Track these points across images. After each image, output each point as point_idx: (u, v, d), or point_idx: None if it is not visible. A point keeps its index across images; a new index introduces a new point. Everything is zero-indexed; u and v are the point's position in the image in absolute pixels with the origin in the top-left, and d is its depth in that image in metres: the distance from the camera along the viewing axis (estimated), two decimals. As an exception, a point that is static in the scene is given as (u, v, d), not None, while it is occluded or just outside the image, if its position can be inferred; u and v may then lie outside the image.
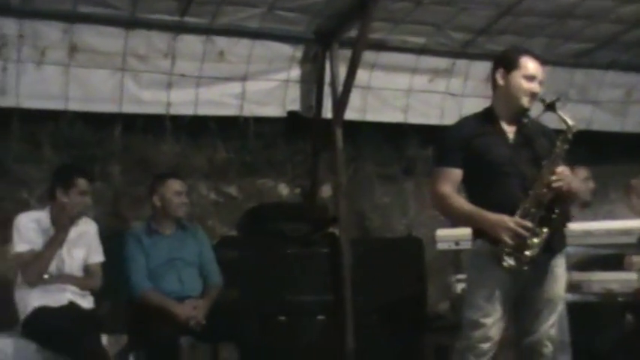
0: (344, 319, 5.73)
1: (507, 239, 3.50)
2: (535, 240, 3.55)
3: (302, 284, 5.66)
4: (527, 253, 3.53)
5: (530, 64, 3.75)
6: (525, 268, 3.54)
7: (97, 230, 4.77)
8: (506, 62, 3.78)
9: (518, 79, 3.73)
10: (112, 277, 4.81)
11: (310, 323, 5.65)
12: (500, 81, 3.77)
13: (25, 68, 5.32)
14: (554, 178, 3.58)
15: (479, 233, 3.68)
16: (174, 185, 4.98)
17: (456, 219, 3.94)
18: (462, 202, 3.67)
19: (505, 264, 3.53)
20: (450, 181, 3.70)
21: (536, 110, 3.82)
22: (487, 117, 3.81)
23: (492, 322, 3.63)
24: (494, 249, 3.55)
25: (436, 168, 3.77)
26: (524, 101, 3.73)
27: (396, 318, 5.83)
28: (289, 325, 5.57)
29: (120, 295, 4.95)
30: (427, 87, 6.54)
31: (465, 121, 3.90)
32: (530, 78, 3.74)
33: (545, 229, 3.57)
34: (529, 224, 3.52)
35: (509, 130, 3.76)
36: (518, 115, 3.77)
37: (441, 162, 3.76)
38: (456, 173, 3.70)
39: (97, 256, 4.73)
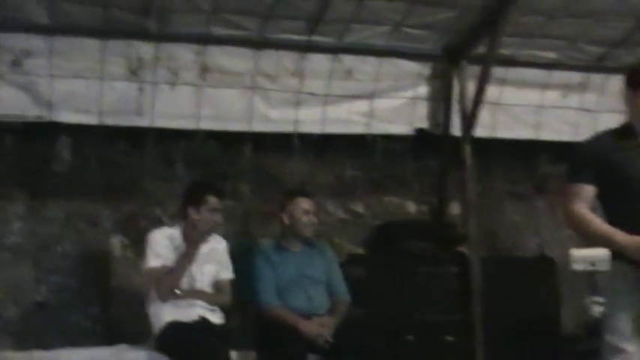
0: (473, 340, 5.61)
1: None
2: None
3: (430, 303, 5.59)
4: None
5: None
6: None
7: (227, 247, 4.85)
8: None
9: None
10: (241, 293, 4.87)
11: (439, 343, 5.57)
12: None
13: (160, 89, 5.50)
14: None
15: (616, 254, 3.53)
16: (303, 204, 5.00)
17: (590, 238, 3.77)
18: (597, 221, 3.54)
19: None
20: (584, 199, 3.58)
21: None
22: (624, 132, 3.66)
23: (636, 349, 3.46)
24: (634, 271, 3.39)
25: (569, 184, 3.66)
26: None
27: (527, 340, 5.67)
28: (417, 344, 5.49)
29: (248, 311, 5.01)
30: (560, 102, 6.38)
31: (599, 137, 3.77)
32: None
33: None
34: None
35: None
36: None
37: (573, 178, 3.64)
38: (590, 190, 3.59)
39: (227, 273, 4.80)
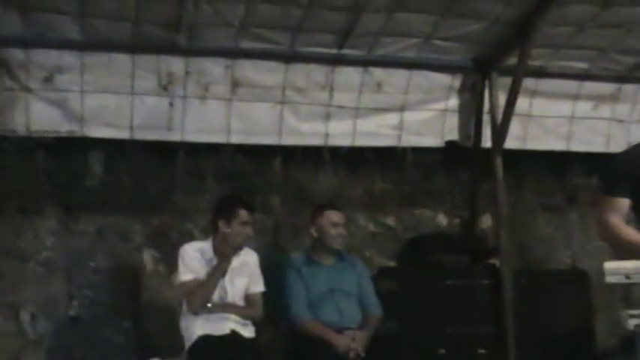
0: (506, 353, 5.56)
1: None
2: None
3: (462, 316, 5.55)
4: None
5: None
6: None
7: (258, 260, 4.85)
8: None
9: None
10: (272, 306, 4.87)
11: (471, 357, 5.53)
12: None
13: (190, 104, 5.53)
14: None
15: None
16: (332, 216, 5.00)
17: (626, 250, 3.72)
18: (632, 233, 3.51)
19: None
20: (618, 211, 3.56)
21: None
22: None
23: None
24: None
25: (603, 197, 3.63)
26: None
27: (560, 354, 5.61)
28: (449, 358, 5.45)
29: (280, 325, 5.00)
30: (591, 113, 6.31)
31: (634, 149, 3.74)
32: None
33: None
34: None
35: None
36: None
37: (608, 191, 3.62)
38: (624, 203, 3.57)
39: (258, 286, 4.80)
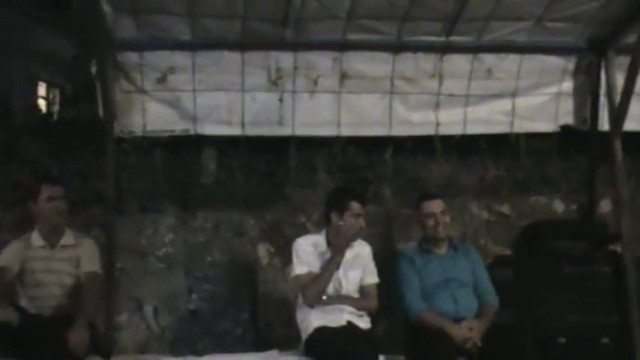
0: (632, 343, 5.38)
1: None
2: None
3: (583, 305, 5.39)
4: None
5: None
6: None
7: (371, 252, 4.85)
8: None
9: None
10: (386, 297, 4.86)
11: (594, 347, 5.36)
12: None
13: (300, 98, 5.58)
14: None
15: None
16: (427, 207, 4.94)
17: None
18: None
19: None
20: None
21: None
22: None
23: None
24: None
25: None
26: None
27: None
28: (570, 347, 5.31)
29: (395, 315, 4.99)
30: None
31: None
32: None
33: None
34: None
35: None
36: None
37: None
38: None
39: (372, 277, 4.79)
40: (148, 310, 5.66)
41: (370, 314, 4.73)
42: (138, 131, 5.50)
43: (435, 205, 4.97)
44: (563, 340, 5.32)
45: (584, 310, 5.39)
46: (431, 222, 4.93)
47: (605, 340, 5.38)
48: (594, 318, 5.39)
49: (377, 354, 4.44)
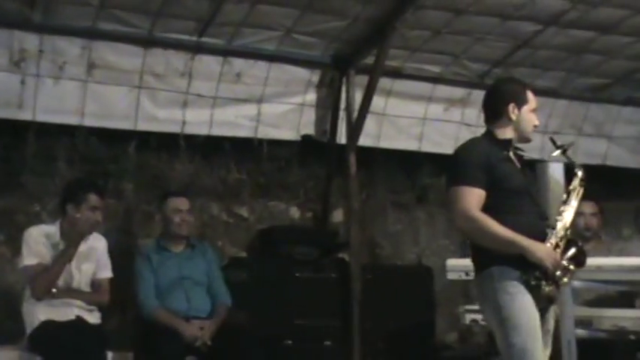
0: (351, 345, 5.69)
1: (550, 267, 3.48)
2: (560, 272, 3.53)
3: (310, 309, 5.62)
4: (557, 282, 3.53)
5: (533, 98, 3.79)
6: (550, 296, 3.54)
7: (107, 246, 4.77)
8: (516, 97, 3.77)
9: (529, 114, 3.75)
10: (120, 293, 4.80)
11: (317, 348, 5.61)
12: (513, 115, 3.74)
13: (43, 83, 5.35)
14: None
15: (500, 260, 3.57)
16: (174, 203, 5.02)
17: (489, 242, 3.58)
18: (497, 226, 3.50)
19: (545, 290, 3.50)
20: (477, 202, 3.54)
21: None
22: (498, 143, 3.76)
23: (541, 347, 3.54)
24: (527, 275, 3.50)
25: (460, 187, 3.56)
26: (532, 135, 3.79)
27: (403, 346, 5.78)
28: (296, 349, 5.52)
29: (127, 311, 4.94)
30: (442, 116, 6.53)
31: (476, 141, 3.80)
32: (534, 110, 3.78)
33: (568, 263, 3.57)
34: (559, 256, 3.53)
35: (515, 159, 3.75)
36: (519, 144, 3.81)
37: (466, 181, 3.56)
38: (482, 194, 3.55)
39: (106, 272, 4.72)
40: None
41: (101, 309, 4.64)
42: None
43: (182, 202, 5.03)
44: (289, 341, 5.52)
45: (310, 314, 5.63)
46: (177, 218, 4.97)
47: (327, 342, 5.65)
48: (319, 321, 5.64)
49: (105, 350, 4.38)
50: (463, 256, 4.76)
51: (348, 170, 6.00)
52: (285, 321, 5.53)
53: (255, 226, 6.18)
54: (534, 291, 3.50)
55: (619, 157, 7.10)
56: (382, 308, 5.82)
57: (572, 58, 6.18)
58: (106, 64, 5.47)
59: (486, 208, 3.58)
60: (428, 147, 6.53)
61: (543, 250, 3.50)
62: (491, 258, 3.59)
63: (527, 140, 3.80)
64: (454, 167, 3.72)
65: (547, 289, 3.51)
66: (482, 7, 5.44)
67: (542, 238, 3.56)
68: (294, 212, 6.46)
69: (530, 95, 3.78)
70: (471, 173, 3.59)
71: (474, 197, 3.55)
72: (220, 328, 4.77)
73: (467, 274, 4.94)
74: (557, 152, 3.79)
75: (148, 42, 5.49)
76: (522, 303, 3.51)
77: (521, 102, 3.75)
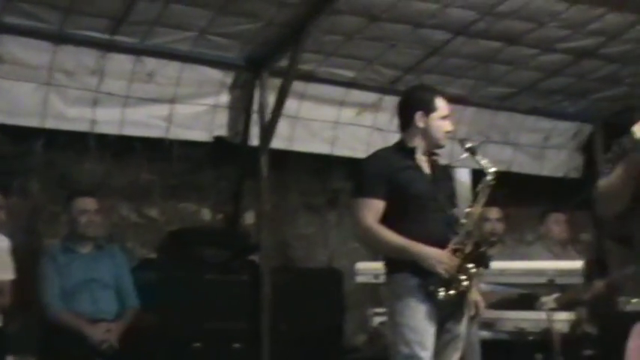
0: (260, 347, 5.70)
1: (443, 272, 3.54)
2: (462, 276, 3.61)
3: (220, 311, 5.60)
4: (457, 287, 3.59)
5: (444, 105, 3.87)
6: (454, 301, 3.61)
7: (10, 246, 4.65)
8: (424, 105, 3.84)
9: (438, 122, 3.82)
10: (25, 295, 4.70)
11: (226, 351, 5.59)
12: (421, 123, 3.82)
13: (-58, 75, 5.19)
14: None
15: (402, 266, 3.66)
16: (81, 203, 4.95)
17: (384, 251, 3.80)
18: (390, 234, 3.65)
19: (440, 296, 3.56)
20: (374, 213, 3.69)
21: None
22: (404, 151, 3.84)
23: (429, 356, 3.62)
24: (426, 282, 3.57)
25: (359, 199, 3.75)
26: (444, 141, 3.87)
27: (313, 349, 5.82)
28: (204, 352, 5.49)
29: (32, 314, 4.83)
30: (354, 120, 6.59)
31: (383, 152, 3.93)
32: (446, 117, 3.86)
33: (472, 266, 3.64)
34: (458, 261, 3.60)
35: (425, 166, 3.83)
36: (431, 151, 3.89)
37: (364, 193, 3.74)
38: (380, 205, 3.70)
39: (7, 274, 4.61)
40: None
41: (3, 311, 4.54)
42: None
43: (89, 203, 4.96)
44: (198, 344, 5.49)
45: (220, 316, 5.60)
46: (84, 219, 4.89)
47: (236, 345, 5.64)
48: (229, 324, 5.63)
49: (5, 353, 4.28)
50: (373, 259, 4.83)
51: (260, 172, 6.00)
52: (195, 324, 5.49)
53: (166, 228, 6.12)
54: (433, 297, 3.58)
55: (523, 163, 7.32)
56: (293, 311, 5.85)
57: (480, 67, 6.33)
58: (14, 60, 5.33)
59: (389, 216, 3.71)
60: (340, 151, 6.57)
61: (435, 256, 3.59)
62: (395, 265, 3.72)
63: (438, 146, 3.89)
64: (355, 179, 3.92)
65: (446, 294, 3.59)
66: (396, 15, 5.52)
67: (446, 243, 3.65)
68: (206, 214, 6.43)
69: (440, 102, 3.86)
70: (369, 185, 3.74)
71: (370, 208, 3.70)
72: (128, 330, 4.72)
73: (376, 277, 5.01)
74: (466, 155, 3.88)
75: (58, 38, 5.37)
76: (414, 311, 3.62)
77: (428, 110, 3.83)
